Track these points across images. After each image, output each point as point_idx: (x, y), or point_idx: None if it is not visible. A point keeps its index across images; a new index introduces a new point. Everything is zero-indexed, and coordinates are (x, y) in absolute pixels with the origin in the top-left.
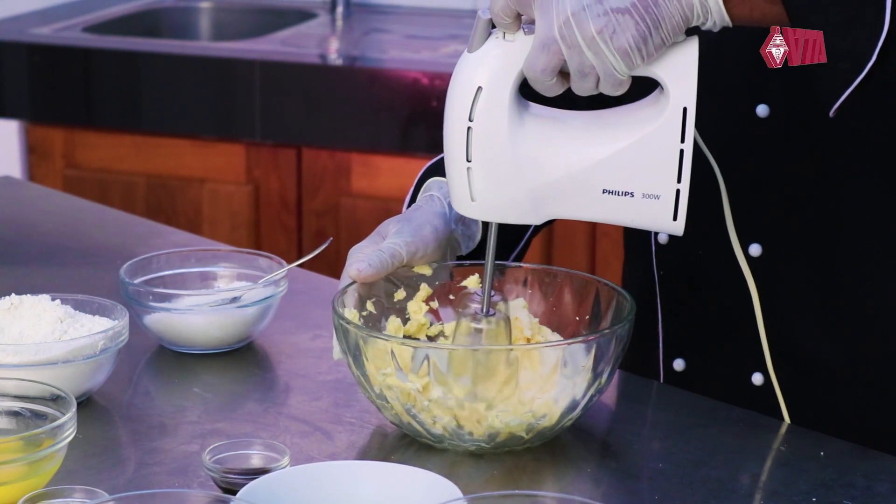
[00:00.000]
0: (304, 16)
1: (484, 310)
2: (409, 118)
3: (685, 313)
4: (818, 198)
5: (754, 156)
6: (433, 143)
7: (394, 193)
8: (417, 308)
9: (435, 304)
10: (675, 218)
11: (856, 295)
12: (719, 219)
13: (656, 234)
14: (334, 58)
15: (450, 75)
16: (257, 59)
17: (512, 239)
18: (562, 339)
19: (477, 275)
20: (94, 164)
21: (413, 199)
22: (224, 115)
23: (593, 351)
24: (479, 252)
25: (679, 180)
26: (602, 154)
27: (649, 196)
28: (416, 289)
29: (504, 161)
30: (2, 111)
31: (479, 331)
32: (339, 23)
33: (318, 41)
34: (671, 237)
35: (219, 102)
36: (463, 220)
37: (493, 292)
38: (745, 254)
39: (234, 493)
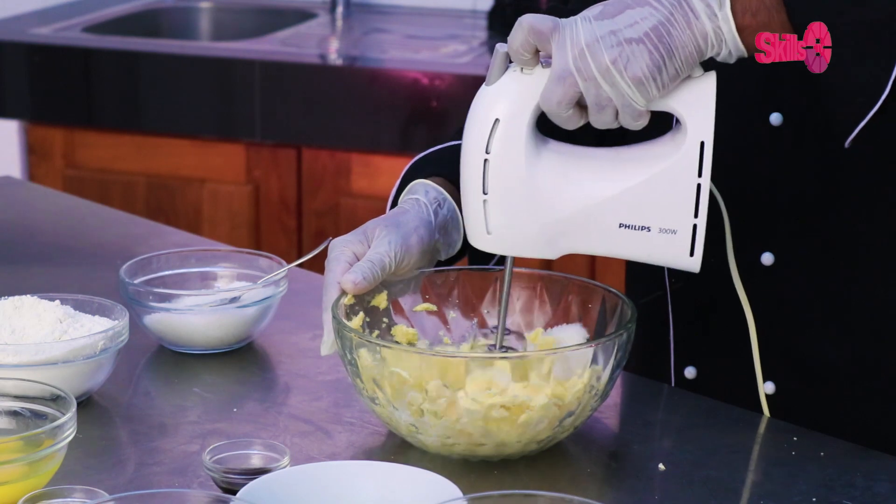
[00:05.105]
0: (304, 16)
1: (497, 346)
2: (409, 118)
3: (696, 321)
4: (831, 206)
5: (767, 164)
6: (433, 143)
7: None
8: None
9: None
10: (691, 254)
11: (868, 304)
12: (730, 227)
13: None
14: (334, 58)
15: (449, 75)
16: (257, 59)
17: None
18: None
19: (386, 292)
20: (94, 164)
21: (398, 194)
22: (224, 115)
23: (591, 358)
24: (457, 257)
25: (696, 215)
26: (619, 188)
27: (666, 231)
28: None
29: (520, 194)
30: (2, 111)
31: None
32: (339, 23)
33: (318, 41)
34: None
35: (219, 102)
36: (444, 230)
37: (507, 329)
38: (757, 263)
39: (234, 493)
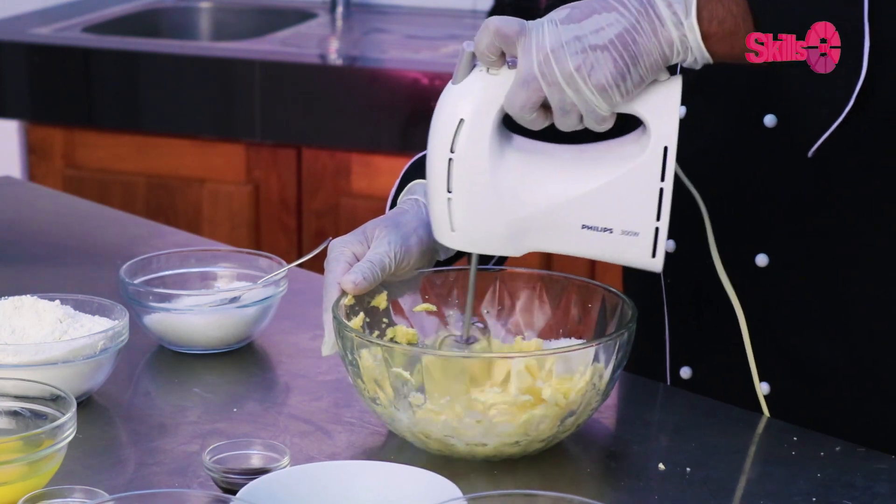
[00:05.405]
0: (304, 16)
1: (464, 337)
2: (409, 118)
3: (692, 321)
4: (825, 207)
5: (761, 166)
6: None
7: None
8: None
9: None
10: (653, 255)
11: (865, 305)
12: (725, 229)
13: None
14: (334, 58)
15: (449, 75)
16: (257, 59)
17: None
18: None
19: (385, 292)
20: (94, 164)
21: (397, 194)
22: (224, 115)
23: (592, 357)
24: (457, 257)
25: (658, 218)
26: (582, 189)
27: (628, 233)
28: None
29: (484, 193)
30: (2, 111)
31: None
32: (339, 23)
33: (318, 41)
34: (678, 245)
35: (219, 102)
36: None
37: (474, 319)
38: (752, 264)
39: (234, 493)
